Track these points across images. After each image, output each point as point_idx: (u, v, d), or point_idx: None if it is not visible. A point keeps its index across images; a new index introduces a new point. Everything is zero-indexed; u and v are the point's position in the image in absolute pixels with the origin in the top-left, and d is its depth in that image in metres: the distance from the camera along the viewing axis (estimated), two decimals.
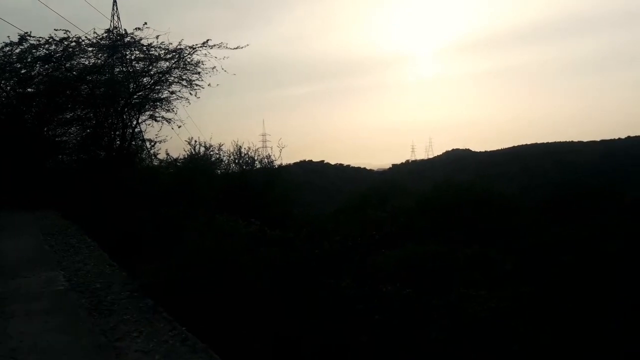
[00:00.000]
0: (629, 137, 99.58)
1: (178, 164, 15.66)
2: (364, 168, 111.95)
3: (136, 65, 17.06)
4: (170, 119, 17.59)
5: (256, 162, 15.98)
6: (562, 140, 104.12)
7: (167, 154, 16.69)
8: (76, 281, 6.36)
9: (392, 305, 7.46)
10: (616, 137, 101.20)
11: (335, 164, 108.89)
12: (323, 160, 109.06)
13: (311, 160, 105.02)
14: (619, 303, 8.01)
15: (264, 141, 56.11)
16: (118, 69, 17.38)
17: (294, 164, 76.96)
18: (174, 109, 17.55)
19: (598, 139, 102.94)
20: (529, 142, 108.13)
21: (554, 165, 75.42)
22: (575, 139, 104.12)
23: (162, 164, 16.60)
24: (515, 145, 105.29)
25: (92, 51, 16.30)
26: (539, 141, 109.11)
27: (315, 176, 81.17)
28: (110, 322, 4.88)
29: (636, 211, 21.08)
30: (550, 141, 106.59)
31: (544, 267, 9.41)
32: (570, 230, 14.79)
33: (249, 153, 15.79)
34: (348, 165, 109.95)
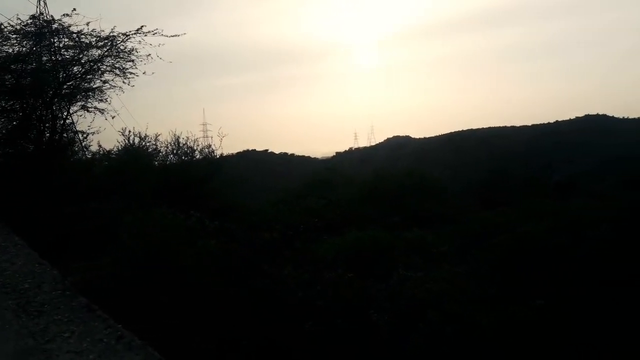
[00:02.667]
0: (557, 121, 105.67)
1: (112, 155, 15.08)
2: (308, 156, 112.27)
3: (65, 53, 16.16)
4: (103, 110, 16.84)
5: (196, 152, 15.67)
6: (494, 126, 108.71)
7: (100, 146, 16.02)
8: (2, 282, 6.03)
9: (334, 291, 7.60)
10: (545, 122, 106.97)
11: (280, 153, 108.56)
12: (267, 149, 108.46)
13: (255, 150, 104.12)
14: (545, 280, 8.55)
15: (205, 131, 55.00)
16: (46, 58, 16.41)
17: (237, 153, 75.93)
18: (107, 99, 16.82)
19: (529, 123, 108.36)
20: (465, 128, 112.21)
21: (485, 151, 78.83)
22: (508, 124, 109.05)
23: (96, 156, 15.92)
24: (452, 131, 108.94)
25: (15, 38, 15.28)
26: (474, 126, 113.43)
27: (259, 165, 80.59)
28: (40, 323, 4.68)
29: (560, 192, 22.44)
30: (484, 126, 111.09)
31: (476, 249, 9.89)
32: (499, 213, 15.59)
33: (188, 143, 15.45)
34: (292, 154, 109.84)
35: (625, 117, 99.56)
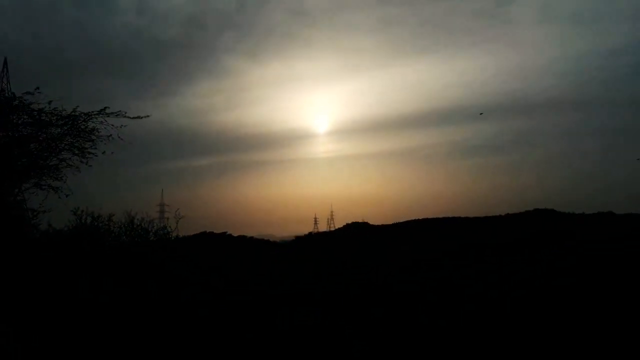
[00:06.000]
0: (507, 214, 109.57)
1: (62, 236, 14.60)
2: (267, 240, 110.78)
3: (23, 130, 16.04)
4: (57, 188, 16.51)
5: (150, 233, 15.36)
6: (444, 216, 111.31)
7: (50, 225, 15.51)
8: None
9: None
10: (497, 214, 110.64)
11: (238, 236, 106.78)
12: (225, 232, 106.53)
13: (212, 232, 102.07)
14: None
15: (162, 212, 54.32)
16: (1, 134, 16.20)
17: (194, 235, 74.25)
18: (63, 177, 16.54)
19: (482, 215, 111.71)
20: (420, 217, 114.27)
21: (435, 238, 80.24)
22: (463, 215, 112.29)
23: (45, 236, 15.35)
24: (411, 219, 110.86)
25: None
26: (428, 216, 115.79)
27: (216, 249, 78.85)
28: None
29: None
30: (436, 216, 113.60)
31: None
32: None
33: (142, 224, 15.18)
34: (251, 238, 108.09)
35: (571, 212, 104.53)
